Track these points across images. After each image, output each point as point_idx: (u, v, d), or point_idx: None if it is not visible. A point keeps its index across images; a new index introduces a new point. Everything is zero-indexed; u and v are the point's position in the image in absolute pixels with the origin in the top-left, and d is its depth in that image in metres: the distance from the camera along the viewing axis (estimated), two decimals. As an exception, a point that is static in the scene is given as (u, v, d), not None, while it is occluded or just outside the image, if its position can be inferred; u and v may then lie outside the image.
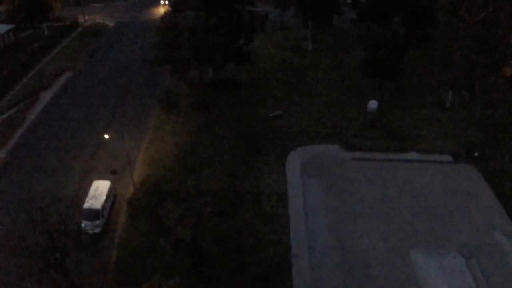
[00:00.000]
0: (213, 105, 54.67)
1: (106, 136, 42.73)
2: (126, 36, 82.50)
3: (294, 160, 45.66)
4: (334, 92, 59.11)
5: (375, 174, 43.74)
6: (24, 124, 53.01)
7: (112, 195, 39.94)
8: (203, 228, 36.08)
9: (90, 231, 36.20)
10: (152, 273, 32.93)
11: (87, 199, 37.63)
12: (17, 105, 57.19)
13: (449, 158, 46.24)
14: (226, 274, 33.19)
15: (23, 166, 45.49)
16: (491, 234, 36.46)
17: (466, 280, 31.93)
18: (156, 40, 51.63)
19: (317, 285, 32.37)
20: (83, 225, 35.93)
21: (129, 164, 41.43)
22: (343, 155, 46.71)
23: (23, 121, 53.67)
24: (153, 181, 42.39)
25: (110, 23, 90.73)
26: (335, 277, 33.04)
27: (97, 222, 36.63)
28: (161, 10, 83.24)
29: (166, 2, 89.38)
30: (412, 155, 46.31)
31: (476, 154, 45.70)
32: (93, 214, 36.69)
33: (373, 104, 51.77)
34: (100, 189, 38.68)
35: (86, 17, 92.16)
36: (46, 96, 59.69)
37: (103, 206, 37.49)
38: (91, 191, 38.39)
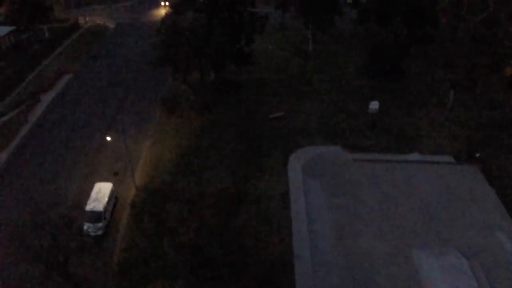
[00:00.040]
0: (215, 106, 54.72)
1: (108, 138, 42.76)
2: (127, 38, 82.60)
3: (296, 161, 45.67)
4: (335, 93, 59.13)
5: (377, 175, 43.71)
6: (25, 126, 53.10)
7: (114, 197, 39.97)
8: (205, 230, 36.19)
9: (92, 233, 36.20)
10: (155, 275, 33.02)
11: (89, 201, 37.66)
12: (18, 107, 57.19)
13: (451, 158, 46.22)
14: (228, 275, 33.19)
15: (25, 168, 45.55)
16: (493, 234, 36.42)
17: (468, 280, 31.90)
18: (158, 41, 51.71)
19: (319, 286, 32.37)
20: (85, 227, 36.05)
21: (130, 166, 41.44)
22: (344, 156, 46.70)
23: (25, 123, 53.76)
24: (155, 183, 42.43)
25: (111, 25, 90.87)
26: (337, 278, 33.03)
27: (99, 224, 36.66)
28: (162, 12, 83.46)
29: (167, 3, 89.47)
30: (414, 156, 46.29)
31: (478, 154, 45.67)
32: (96, 216, 36.73)
33: (374, 105, 51.76)
34: (102, 191, 38.70)
35: (87, 19, 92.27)
36: (47, 98, 59.78)
37: (105, 208, 37.52)
38: (93, 193, 38.44)
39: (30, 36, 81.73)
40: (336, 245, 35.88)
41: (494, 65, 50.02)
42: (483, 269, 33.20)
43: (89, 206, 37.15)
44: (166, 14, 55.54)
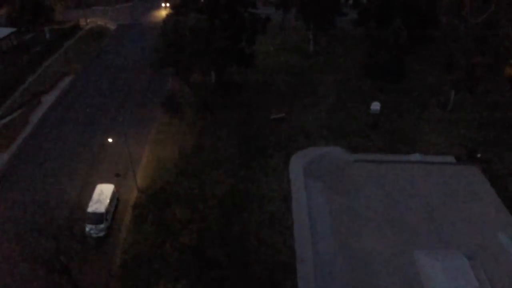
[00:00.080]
0: (216, 107, 54.75)
1: (110, 140, 42.80)
2: (128, 39, 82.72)
3: (297, 162, 45.72)
4: (336, 94, 59.15)
5: (378, 176, 43.76)
6: (27, 128, 53.15)
7: (115, 198, 40.02)
8: (208, 232, 36.20)
9: (94, 235, 36.25)
10: (158, 277, 33.06)
11: (91, 203, 37.67)
12: (19, 108, 57.36)
13: (452, 159, 46.27)
14: (231, 277, 33.23)
15: (26, 170, 45.59)
16: (495, 235, 36.47)
17: (469, 281, 31.93)
18: (159, 42, 51.76)
19: (321, 287, 32.42)
20: (87, 228, 36.12)
21: (132, 168, 41.48)
22: (346, 157, 46.75)
23: (26, 124, 53.83)
24: (157, 185, 42.47)
25: (112, 26, 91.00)
26: (339, 279, 33.07)
27: (101, 226, 36.68)
28: (162, 13, 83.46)
29: (167, 5, 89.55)
30: (415, 157, 46.31)
31: (479, 155, 45.71)
32: (97, 218, 36.73)
33: (376, 106, 51.77)
34: (104, 192, 38.71)
35: (88, 20, 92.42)
36: (48, 99, 59.87)
37: (107, 209, 37.55)
38: (95, 195, 38.46)
39: (31, 37, 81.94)
40: (338, 246, 35.91)
41: (494, 65, 50.03)
42: (484, 270, 33.24)
43: (91, 208, 37.15)
44: (167, 16, 55.46)
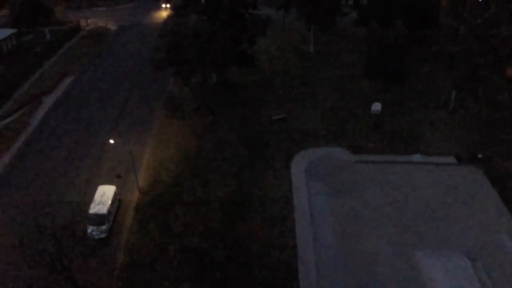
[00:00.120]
0: (217, 108, 54.75)
1: (111, 141, 42.79)
2: (129, 40, 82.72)
3: (299, 163, 45.72)
4: (337, 95, 59.16)
5: (379, 176, 43.73)
6: (27, 128, 53.15)
7: (117, 200, 39.99)
8: (210, 233, 36.14)
9: (96, 236, 36.21)
10: (160, 278, 33.03)
11: (92, 204, 37.57)
12: (20, 109, 57.35)
13: (453, 160, 46.25)
14: (234, 279, 33.22)
15: (27, 171, 45.57)
16: (496, 236, 36.44)
17: (471, 282, 31.91)
18: (160, 43, 51.75)
19: (323, 289, 32.45)
20: (89, 230, 36.03)
21: (133, 169, 41.47)
22: (347, 158, 46.75)
23: (27, 125, 53.83)
24: (158, 186, 42.45)
25: (112, 27, 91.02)
26: (341, 280, 33.05)
27: (103, 227, 36.66)
28: (163, 14, 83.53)
29: (168, 6, 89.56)
30: (416, 157, 46.31)
31: (480, 155, 45.69)
32: (99, 219, 36.71)
33: (377, 106, 51.75)
34: (105, 194, 38.69)
35: (88, 21, 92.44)
36: (49, 100, 59.87)
37: (109, 211, 37.54)
38: (97, 196, 38.41)
39: (32, 38, 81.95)
40: (340, 247, 35.89)
41: (496, 66, 49.98)
42: (485, 271, 33.21)
43: (93, 209, 37.05)
44: (168, 17, 55.52)
